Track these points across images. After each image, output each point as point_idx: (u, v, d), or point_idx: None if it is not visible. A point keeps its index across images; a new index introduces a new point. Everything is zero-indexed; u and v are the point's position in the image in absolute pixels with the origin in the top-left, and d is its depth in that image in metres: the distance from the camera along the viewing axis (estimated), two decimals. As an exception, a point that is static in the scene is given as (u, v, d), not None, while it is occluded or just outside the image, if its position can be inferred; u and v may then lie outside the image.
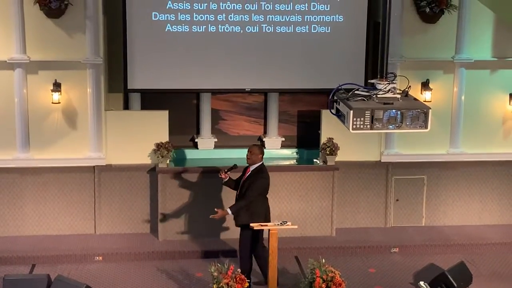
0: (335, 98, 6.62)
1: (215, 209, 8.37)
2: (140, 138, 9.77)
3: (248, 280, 7.82)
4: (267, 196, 8.49)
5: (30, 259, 9.17)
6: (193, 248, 9.51)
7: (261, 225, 8.07)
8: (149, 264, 9.25)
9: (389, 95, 6.42)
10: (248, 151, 8.43)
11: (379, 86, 6.46)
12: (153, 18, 9.64)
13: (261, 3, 9.73)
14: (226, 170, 8.47)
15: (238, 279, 7.68)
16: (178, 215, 9.74)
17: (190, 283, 8.75)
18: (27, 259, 9.16)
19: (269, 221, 8.37)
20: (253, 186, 8.26)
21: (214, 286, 7.69)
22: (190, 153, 10.32)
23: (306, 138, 10.54)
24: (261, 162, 8.41)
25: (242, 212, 8.31)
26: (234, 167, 8.55)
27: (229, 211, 8.27)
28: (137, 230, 9.95)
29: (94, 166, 9.74)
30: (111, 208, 9.87)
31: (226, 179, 8.50)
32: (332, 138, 9.91)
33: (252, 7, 9.74)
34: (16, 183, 9.65)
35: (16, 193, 9.68)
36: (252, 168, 8.38)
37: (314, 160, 10.17)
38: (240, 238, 8.46)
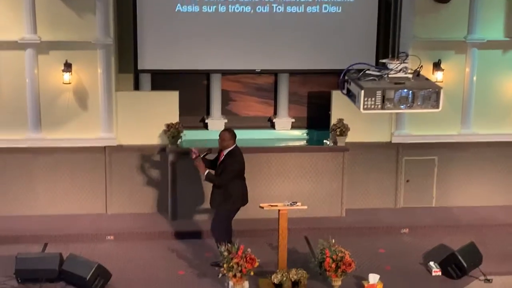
0: (346, 78, 6.59)
1: (201, 157, 8.29)
2: (150, 119, 9.79)
3: (255, 258, 7.82)
4: (245, 176, 8.43)
5: (43, 238, 9.24)
6: (204, 228, 9.55)
7: (271, 205, 8.10)
8: (159, 243, 9.30)
9: (401, 75, 6.39)
10: (219, 137, 8.38)
11: (391, 66, 6.43)
12: (163, -2, 9.62)
13: (271, -18, 9.69)
14: (202, 156, 8.36)
15: (248, 258, 7.72)
16: (188, 195, 9.78)
17: (201, 262, 8.80)
18: (39, 238, 9.23)
19: (246, 202, 8.40)
20: (226, 170, 8.25)
21: (225, 265, 7.75)
22: (200, 134, 10.32)
23: (317, 119, 10.51)
24: (234, 145, 8.35)
25: (216, 196, 8.33)
26: (208, 152, 8.47)
27: (205, 173, 8.23)
28: (148, 210, 10.01)
29: (105, 147, 9.78)
30: (122, 188, 9.92)
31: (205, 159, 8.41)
32: (343, 119, 9.89)
33: (263, -13, 9.69)
34: (28, 163, 9.71)
35: (28, 173, 9.74)
36: (225, 152, 8.34)
37: (324, 141, 10.15)
38: (215, 217, 8.45)
